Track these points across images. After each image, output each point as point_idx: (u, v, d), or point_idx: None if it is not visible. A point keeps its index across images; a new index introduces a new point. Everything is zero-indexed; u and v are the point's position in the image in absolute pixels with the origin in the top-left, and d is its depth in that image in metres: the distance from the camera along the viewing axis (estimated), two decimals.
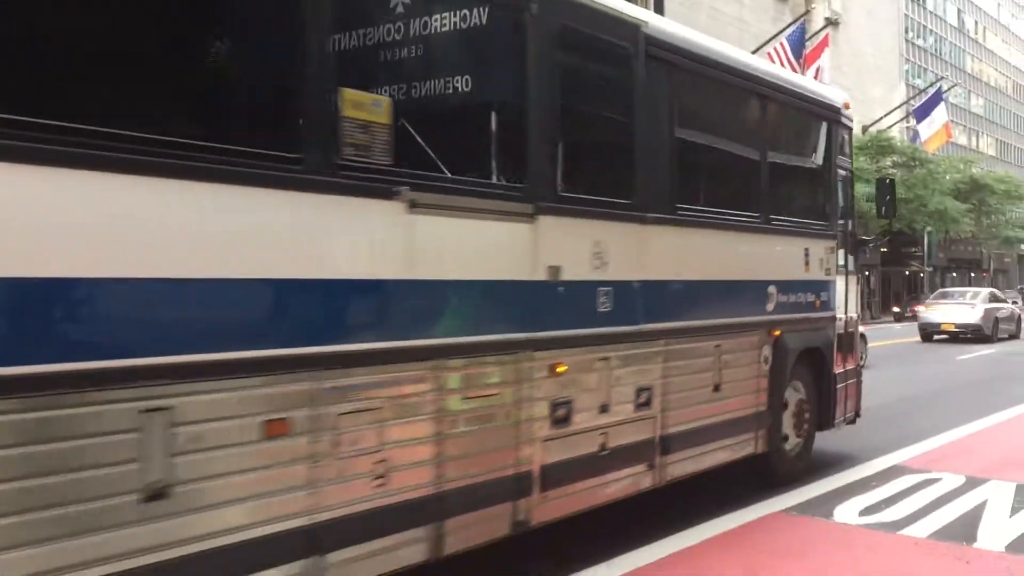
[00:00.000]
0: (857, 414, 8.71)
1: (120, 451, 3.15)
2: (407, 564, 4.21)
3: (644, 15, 5.92)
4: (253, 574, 3.52)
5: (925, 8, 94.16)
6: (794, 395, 7.59)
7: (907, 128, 52.53)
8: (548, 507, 5.03)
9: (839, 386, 8.14)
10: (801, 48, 21.72)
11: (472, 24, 4.79)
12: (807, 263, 7.59)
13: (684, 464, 6.19)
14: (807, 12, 26.02)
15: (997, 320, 27.37)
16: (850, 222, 8.61)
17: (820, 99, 8.00)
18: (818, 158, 8.02)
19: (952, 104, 69.21)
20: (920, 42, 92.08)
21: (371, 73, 4.49)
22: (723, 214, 6.66)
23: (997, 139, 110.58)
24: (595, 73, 5.66)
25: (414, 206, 4.17)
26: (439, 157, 4.44)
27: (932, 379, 16.14)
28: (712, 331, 6.36)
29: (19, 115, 2.90)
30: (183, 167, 3.30)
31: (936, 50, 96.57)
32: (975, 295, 28.64)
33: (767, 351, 7.02)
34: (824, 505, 6.65)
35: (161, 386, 3.23)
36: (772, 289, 7.12)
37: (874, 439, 9.40)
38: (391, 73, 4.61)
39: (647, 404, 5.73)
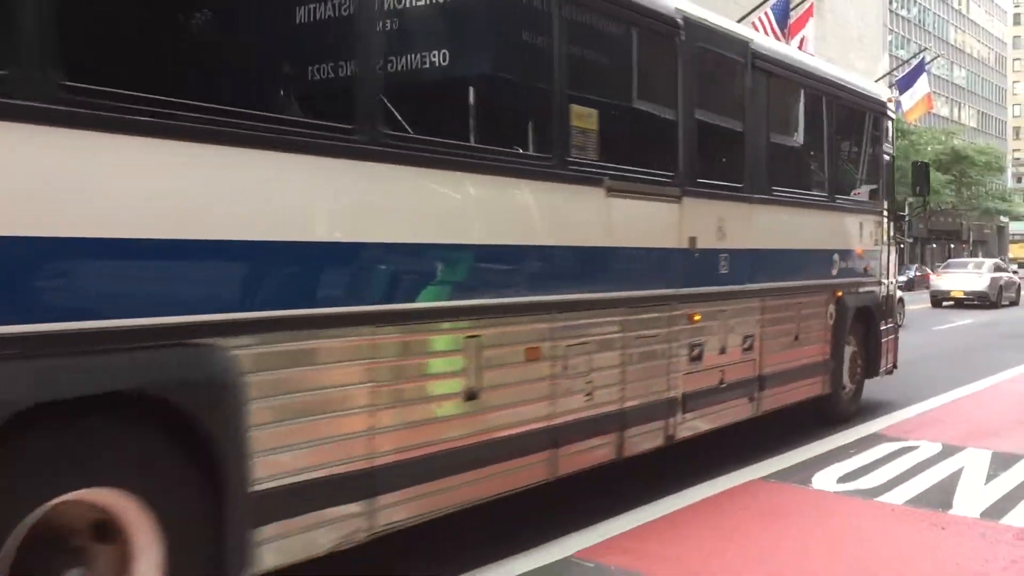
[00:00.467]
0: (895, 366, 10.18)
1: (453, 364, 4.56)
2: (600, 463, 5.70)
3: (750, 33, 7.64)
4: (512, 459, 4.96)
5: None
6: (848, 348, 9.03)
7: (890, 99, 52.26)
8: (687, 426, 6.51)
9: (883, 340, 9.70)
10: (786, 18, 21.62)
11: (636, 50, 6.31)
12: (861, 235, 9.19)
13: (774, 399, 7.64)
14: None
15: (1001, 288, 30.15)
16: (891, 200, 10.01)
17: (871, 95, 9.56)
18: (869, 145, 9.50)
19: (935, 75, 69.22)
20: (904, 13, 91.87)
21: (580, 93, 5.58)
22: (803, 194, 8.27)
23: (979, 111, 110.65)
24: (718, 83, 7.17)
25: (610, 191, 5.59)
26: (621, 155, 5.83)
27: (932, 344, 15.95)
28: (795, 291, 7.88)
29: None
30: (483, 165, 4.77)
31: (920, 21, 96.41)
32: (980, 264, 31.60)
33: (832, 309, 8.53)
34: (803, 472, 6.71)
35: (475, 320, 4.64)
36: (836, 257, 8.65)
37: (880, 397, 9.50)
38: (590, 91, 5.77)
39: (750, 349, 7.23)
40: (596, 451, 5.63)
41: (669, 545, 5.10)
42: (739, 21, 11.01)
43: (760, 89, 7.34)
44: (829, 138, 8.54)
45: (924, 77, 28.97)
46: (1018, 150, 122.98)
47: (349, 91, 4.13)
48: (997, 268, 31.51)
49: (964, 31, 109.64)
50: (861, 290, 9.20)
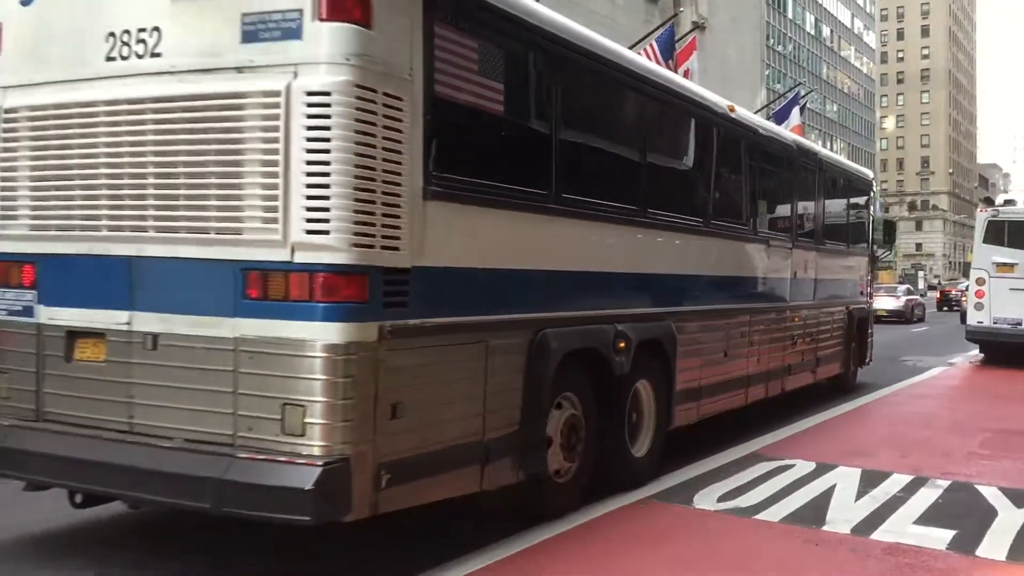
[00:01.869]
0: (871, 359, 14.90)
1: (735, 335, 9.03)
2: (767, 396, 10.13)
3: (816, 147, 12.38)
4: (740, 389, 9.25)
5: (785, 16, 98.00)
6: (852, 344, 13.59)
7: (873, 178, 54.06)
8: (790, 381, 10.86)
9: (869, 340, 14.58)
10: (671, 50, 22.18)
11: (789, 168, 10.91)
12: (859, 269, 13.89)
13: (822, 372, 12.05)
14: (676, 15, 26.59)
15: (912, 307, 37.14)
16: (871, 246, 14.80)
17: (865, 177, 14.41)
18: (863, 207, 14.22)
19: (809, 109, 72.26)
20: (780, 49, 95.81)
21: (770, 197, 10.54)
22: (835, 242, 12.57)
23: (849, 143, 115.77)
24: (810, 184, 11.71)
25: (792, 247, 10.63)
26: (768, 224, 10.16)
27: None
28: (833, 304, 12.43)
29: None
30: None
31: (795, 57, 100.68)
32: (896, 289, 39.28)
33: (845, 316, 13.02)
34: (685, 492, 6.79)
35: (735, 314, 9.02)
36: (849, 284, 13.28)
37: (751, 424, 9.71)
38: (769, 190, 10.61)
39: (811, 339, 11.46)
40: (765, 387, 10.10)
41: (544, 574, 5.02)
42: (631, 48, 12.16)
43: (825, 185, 12.11)
44: (845, 203, 13.31)
45: (797, 110, 30.08)
46: (885, 181, 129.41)
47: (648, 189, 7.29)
48: (909, 292, 39.25)
49: (836, 68, 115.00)
50: (859, 306, 13.79)
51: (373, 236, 4.38)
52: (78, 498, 5.38)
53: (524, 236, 5.57)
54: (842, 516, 6.28)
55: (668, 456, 7.62)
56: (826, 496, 6.81)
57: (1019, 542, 5.81)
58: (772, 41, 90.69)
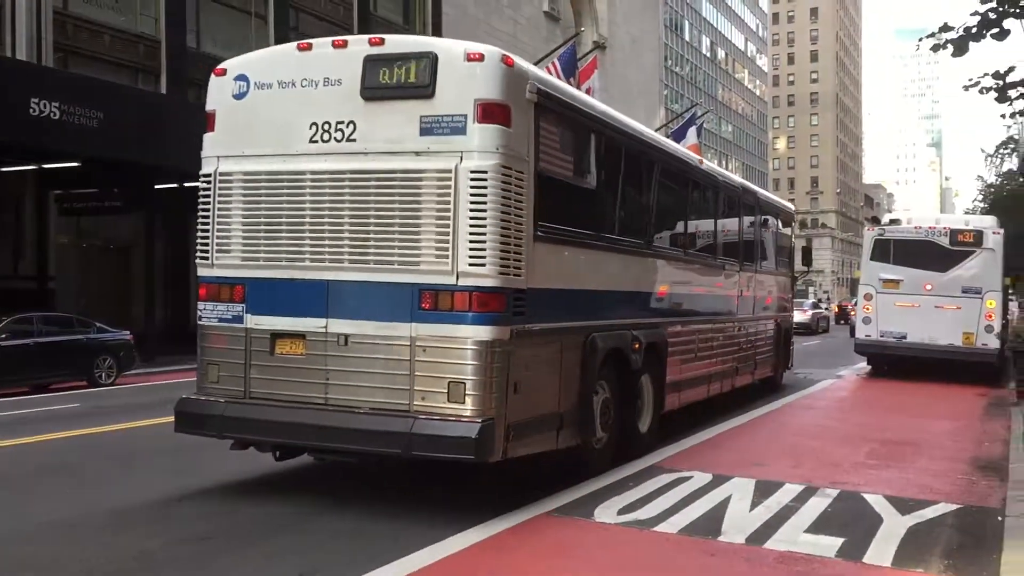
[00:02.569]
0: (792, 364, 17.75)
1: (708, 339, 11.80)
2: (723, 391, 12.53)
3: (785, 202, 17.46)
4: (716, 381, 12.22)
5: (682, 38, 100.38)
6: (780, 351, 16.12)
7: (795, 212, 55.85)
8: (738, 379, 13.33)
9: (791, 348, 17.50)
10: (573, 68, 22.46)
11: (776, 226, 16.12)
12: (785, 287, 16.67)
13: (758, 374, 14.61)
14: (577, 34, 26.92)
15: (818, 319, 41.47)
16: (792, 266, 17.71)
17: (788, 209, 17.43)
18: (788, 235, 17.18)
19: (705, 129, 74.25)
20: (677, 70, 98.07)
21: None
22: (769, 265, 15.31)
23: (743, 163, 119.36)
24: (754, 215, 14.61)
25: (739, 270, 13.28)
26: (736, 254, 13.31)
27: None
28: (767, 317, 14.99)
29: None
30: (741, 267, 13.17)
31: (691, 78, 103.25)
32: (803, 303, 41.88)
33: (775, 328, 15.60)
34: (586, 506, 6.87)
35: (710, 323, 11.91)
36: (778, 299, 15.95)
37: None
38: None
39: (752, 346, 14.07)
40: (720, 384, 12.35)
41: None
42: (536, 63, 12.34)
43: (761, 217, 14.90)
44: (776, 235, 16.01)
45: (693, 129, 30.78)
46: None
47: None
48: (815, 305, 44.55)
49: (731, 89, 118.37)
50: (785, 319, 16.52)
51: (508, 266, 6.56)
52: (278, 453, 7.67)
53: (586, 265, 7.99)
54: (737, 526, 6.42)
55: (569, 473, 7.74)
56: (722, 507, 6.96)
57: (903, 548, 6.04)
58: (670, 62, 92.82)
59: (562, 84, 7.83)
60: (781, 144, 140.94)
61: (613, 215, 8.76)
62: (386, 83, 6.85)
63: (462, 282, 6.54)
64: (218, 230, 7.41)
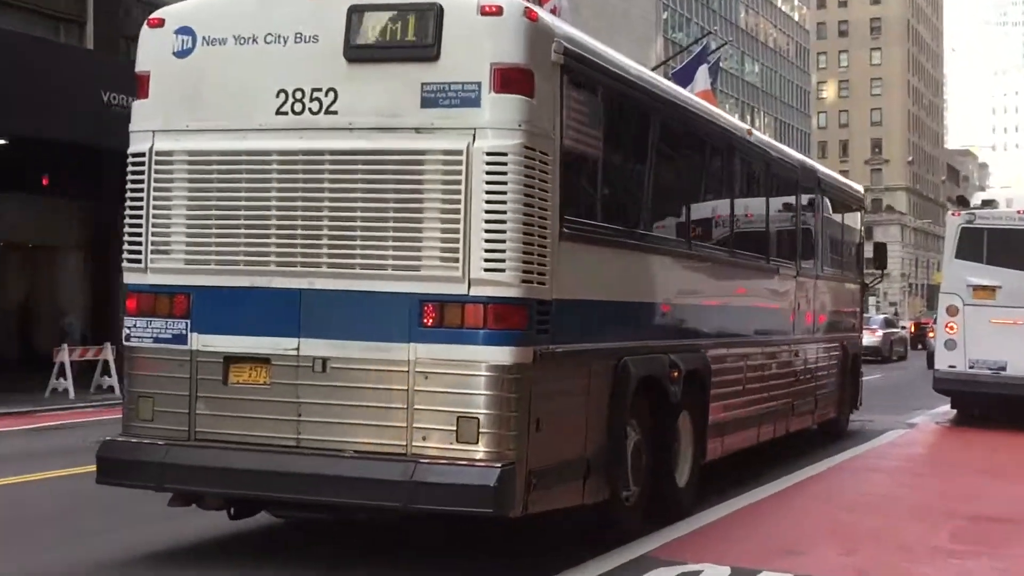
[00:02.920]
0: (861, 403, 18.96)
1: (774, 363, 13.74)
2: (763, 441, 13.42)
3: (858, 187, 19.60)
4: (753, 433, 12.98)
5: None
6: (845, 384, 17.55)
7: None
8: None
9: (861, 380, 18.94)
10: None
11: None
12: (853, 298, 18.35)
13: (818, 415, 15.99)
14: None
15: (891, 342, 43.38)
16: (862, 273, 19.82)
17: (856, 191, 19.01)
18: (855, 228, 18.67)
19: (723, 69, 74.35)
20: None
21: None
22: (832, 269, 16.63)
23: (776, 118, 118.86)
24: (815, 203, 15.75)
25: (796, 275, 14.50)
26: (793, 253, 14.72)
27: None
28: (831, 339, 16.39)
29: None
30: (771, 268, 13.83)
31: None
32: (871, 320, 43.25)
33: (841, 353, 16.93)
34: None
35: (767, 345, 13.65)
36: (844, 314, 17.37)
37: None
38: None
39: (811, 377, 15.35)
40: (773, 427, 13.77)
41: None
42: None
43: (823, 205, 16.11)
44: (841, 229, 17.79)
45: (705, 69, 30.90)
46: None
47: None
48: (888, 324, 46.18)
49: (759, 13, 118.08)
50: (854, 341, 18.30)
51: (532, 272, 7.28)
52: (233, 510, 8.34)
53: (618, 270, 9.02)
54: None
55: (541, 554, 8.30)
56: None
57: None
58: None
59: (594, 43, 8.73)
60: (829, 91, 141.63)
61: (649, 207, 9.83)
62: (377, 41, 7.55)
63: (475, 291, 7.26)
64: (154, 226, 8.01)
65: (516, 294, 7.21)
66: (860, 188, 19.39)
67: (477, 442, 7.08)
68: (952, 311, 18.78)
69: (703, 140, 11.27)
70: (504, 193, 7.14)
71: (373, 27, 7.47)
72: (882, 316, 48.84)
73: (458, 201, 7.20)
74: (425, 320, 7.28)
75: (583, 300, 8.12)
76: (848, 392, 17.52)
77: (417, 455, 7.20)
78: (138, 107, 8.19)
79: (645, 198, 9.69)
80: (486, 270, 7.15)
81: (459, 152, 7.22)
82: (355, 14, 7.50)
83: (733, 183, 12.22)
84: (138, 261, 8.03)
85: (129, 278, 8.11)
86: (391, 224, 7.37)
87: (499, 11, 7.27)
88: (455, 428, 7.12)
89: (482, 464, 7.07)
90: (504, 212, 7.14)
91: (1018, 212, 18.90)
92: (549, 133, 7.52)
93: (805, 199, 14.91)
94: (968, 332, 18.60)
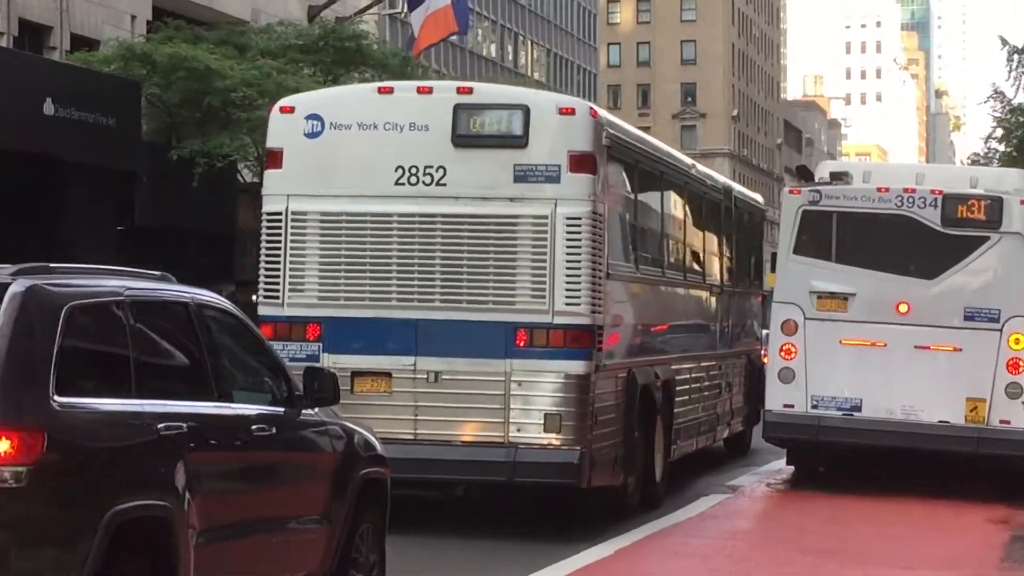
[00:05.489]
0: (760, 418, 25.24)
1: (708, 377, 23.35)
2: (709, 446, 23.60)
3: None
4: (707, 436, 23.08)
5: None
6: (752, 397, 26.05)
7: (398, 17, 55.50)
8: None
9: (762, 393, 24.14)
10: None
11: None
12: (755, 310, 27.79)
13: (732, 428, 25.24)
14: None
15: None
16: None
17: (758, 202, 29.68)
18: (756, 239, 28.91)
19: None
20: None
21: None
22: (741, 282, 25.93)
23: (551, 51, 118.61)
24: (726, 217, 25.24)
25: (722, 291, 24.51)
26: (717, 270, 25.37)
27: None
28: (740, 352, 25.85)
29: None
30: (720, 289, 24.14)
31: None
32: None
33: (747, 365, 26.03)
34: None
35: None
36: (748, 327, 26.78)
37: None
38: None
39: (729, 389, 24.84)
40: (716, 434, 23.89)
41: None
42: None
43: (734, 219, 24.69)
44: (746, 241, 26.34)
45: None
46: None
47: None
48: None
49: None
50: (756, 353, 26.21)
51: (594, 305, 15.00)
52: None
53: (629, 299, 17.29)
54: None
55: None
56: None
57: None
58: None
59: (623, 124, 17.77)
60: (624, 14, 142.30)
61: (647, 244, 18.38)
62: (478, 132, 15.00)
63: (558, 320, 14.62)
64: (291, 269, 14.99)
65: (587, 321, 14.75)
66: (761, 199, 29.26)
67: (560, 432, 14.51)
68: (789, 328, 19.27)
69: (693, 192, 21.31)
70: (579, 246, 14.65)
71: (475, 120, 14.93)
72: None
73: (545, 253, 14.69)
74: (518, 342, 14.67)
75: (617, 324, 16.25)
76: (753, 406, 24.78)
77: (514, 442, 14.59)
78: (273, 175, 15.42)
79: (645, 239, 18.33)
80: (566, 303, 14.61)
81: (545, 217, 14.75)
82: (460, 110, 14.93)
83: (683, 213, 20.77)
84: (276, 297, 14.97)
85: (265, 311, 14.82)
86: (491, 269, 14.80)
87: (573, 111, 15.08)
88: (543, 422, 14.60)
89: (565, 448, 14.63)
90: (579, 261, 14.63)
91: (879, 189, 19.46)
92: (603, 199, 15.18)
93: (726, 219, 23.49)
94: (811, 358, 19.14)
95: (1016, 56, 52.45)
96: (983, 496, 18.19)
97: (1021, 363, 18.58)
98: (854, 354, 18.87)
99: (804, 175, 22.72)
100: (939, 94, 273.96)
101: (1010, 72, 52.63)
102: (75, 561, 7.24)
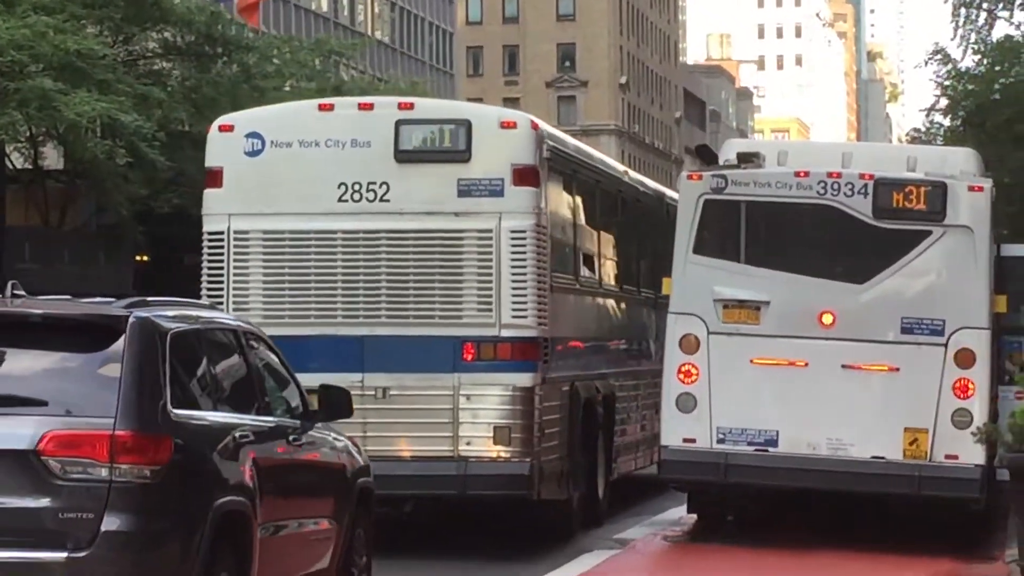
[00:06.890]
0: None
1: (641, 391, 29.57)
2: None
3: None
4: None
5: None
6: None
7: None
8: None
9: None
10: None
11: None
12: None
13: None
14: None
15: None
16: None
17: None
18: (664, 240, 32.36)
19: None
20: None
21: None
22: (655, 290, 30.21)
23: (401, 7, 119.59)
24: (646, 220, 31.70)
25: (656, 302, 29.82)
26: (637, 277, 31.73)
27: None
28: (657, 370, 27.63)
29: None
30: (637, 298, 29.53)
31: None
32: None
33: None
34: None
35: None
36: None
37: None
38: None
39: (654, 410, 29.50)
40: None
41: None
42: None
43: (654, 222, 30.04)
44: (659, 244, 29.69)
45: None
46: (484, 100, 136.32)
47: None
48: None
49: None
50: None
51: (540, 317, 19.95)
52: None
53: (573, 311, 22.41)
54: None
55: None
56: None
57: None
58: None
59: (563, 135, 20.53)
60: None
61: (586, 256, 22.23)
62: (420, 147, 18.88)
63: (505, 333, 18.51)
64: (234, 288, 18.15)
65: (534, 334, 18.31)
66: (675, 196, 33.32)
67: (509, 444, 17.94)
68: (688, 345, 19.56)
69: (627, 200, 25.19)
70: (524, 259, 18.10)
71: (417, 136, 18.13)
72: None
73: (490, 266, 18.12)
74: (466, 355, 17.97)
75: (561, 337, 19.89)
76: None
77: (464, 456, 17.81)
78: (212, 195, 18.64)
79: (586, 251, 22.18)
80: (513, 316, 17.98)
81: (490, 231, 18.26)
82: (403, 126, 18.18)
83: (630, 227, 25.57)
84: None
85: None
86: (437, 284, 18.11)
87: (515, 125, 18.55)
88: (492, 435, 17.95)
89: (515, 460, 18.03)
90: (524, 274, 18.06)
91: (797, 174, 19.76)
92: (545, 211, 18.68)
93: (661, 227, 26.43)
94: (716, 381, 19.39)
95: (963, 8, 52.16)
96: (926, 546, 18.41)
97: (971, 385, 18.79)
98: (768, 376, 19.10)
99: (706, 156, 23.29)
100: (872, 56, 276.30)
101: (956, 28, 51.68)
102: (193, 546, 10.43)
